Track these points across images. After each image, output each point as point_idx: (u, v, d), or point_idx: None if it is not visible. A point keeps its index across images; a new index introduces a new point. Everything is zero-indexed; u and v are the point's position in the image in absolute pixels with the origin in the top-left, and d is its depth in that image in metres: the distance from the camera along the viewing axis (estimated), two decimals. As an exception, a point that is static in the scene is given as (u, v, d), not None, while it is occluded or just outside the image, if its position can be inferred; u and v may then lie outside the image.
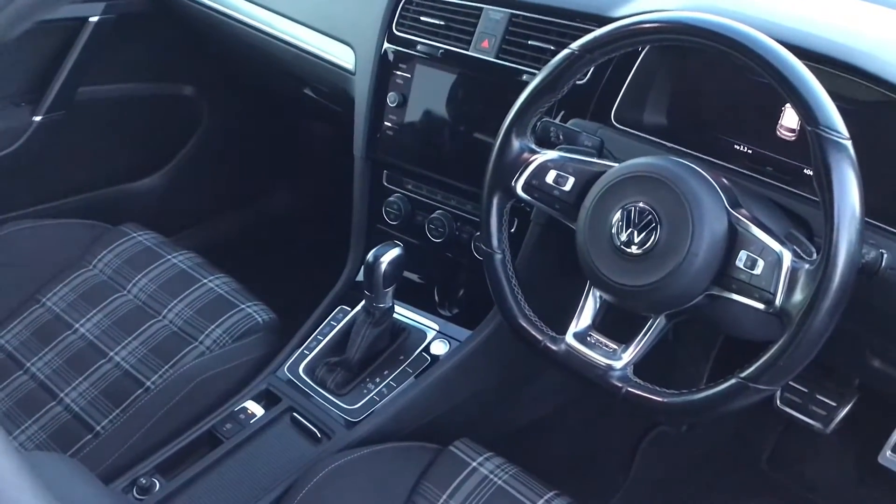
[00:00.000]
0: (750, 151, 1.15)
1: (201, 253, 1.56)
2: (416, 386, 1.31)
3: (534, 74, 1.07)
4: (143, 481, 1.17)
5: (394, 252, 1.29)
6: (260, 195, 2.17)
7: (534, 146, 1.07)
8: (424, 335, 1.39)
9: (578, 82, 1.21)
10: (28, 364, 1.37)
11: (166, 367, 1.34)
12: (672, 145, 1.15)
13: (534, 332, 1.05)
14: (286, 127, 2.10)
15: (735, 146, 1.16)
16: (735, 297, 0.92)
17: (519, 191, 1.06)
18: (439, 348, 1.37)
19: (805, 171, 1.08)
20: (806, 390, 1.51)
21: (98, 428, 1.28)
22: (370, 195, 1.53)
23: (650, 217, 0.94)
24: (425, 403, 1.32)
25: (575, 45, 1.01)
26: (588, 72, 1.22)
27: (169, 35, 1.84)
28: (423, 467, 1.17)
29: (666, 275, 0.92)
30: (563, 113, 1.24)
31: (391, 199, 1.50)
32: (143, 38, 1.81)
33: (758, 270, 0.89)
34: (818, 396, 1.49)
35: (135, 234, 1.56)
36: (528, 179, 1.06)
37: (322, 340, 1.41)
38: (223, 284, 1.47)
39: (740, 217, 0.93)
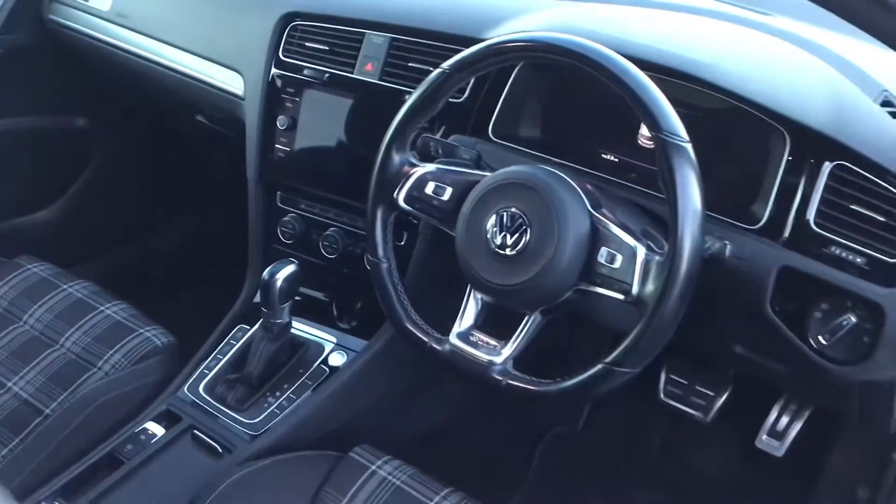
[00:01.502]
0: (616, 160, 1.24)
1: (100, 282, 1.57)
2: (316, 396, 1.35)
3: (413, 94, 1.14)
4: (45, 505, 1.18)
5: (288, 269, 1.33)
6: (159, 222, 2.18)
7: (414, 160, 1.14)
8: (323, 348, 1.44)
9: (456, 100, 1.30)
10: None
11: (65, 393, 1.34)
12: (545, 156, 1.24)
13: (419, 335, 1.11)
14: (181, 154, 2.11)
15: (602, 155, 1.25)
16: (599, 290, 1.00)
17: (401, 202, 1.13)
18: (337, 360, 1.41)
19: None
20: (686, 382, 1.61)
21: None
22: (265, 216, 1.58)
23: (521, 221, 1.01)
24: (325, 413, 1.36)
25: (445, 64, 1.08)
26: (466, 89, 1.30)
27: (58, 67, 1.85)
28: (324, 474, 1.21)
29: (536, 273, 1.00)
30: (444, 128, 1.32)
31: (285, 218, 1.54)
32: (31, 72, 1.81)
33: (616, 264, 0.98)
34: (697, 388, 1.59)
35: (29, 266, 1.55)
36: (409, 191, 1.12)
37: (222, 359, 1.44)
38: (120, 311, 1.47)
39: (601, 217, 1.01)
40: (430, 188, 1.11)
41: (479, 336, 1.08)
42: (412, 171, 1.12)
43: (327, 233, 1.49)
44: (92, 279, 1.57)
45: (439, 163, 1.14)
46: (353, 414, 1.40)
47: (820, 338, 1.04)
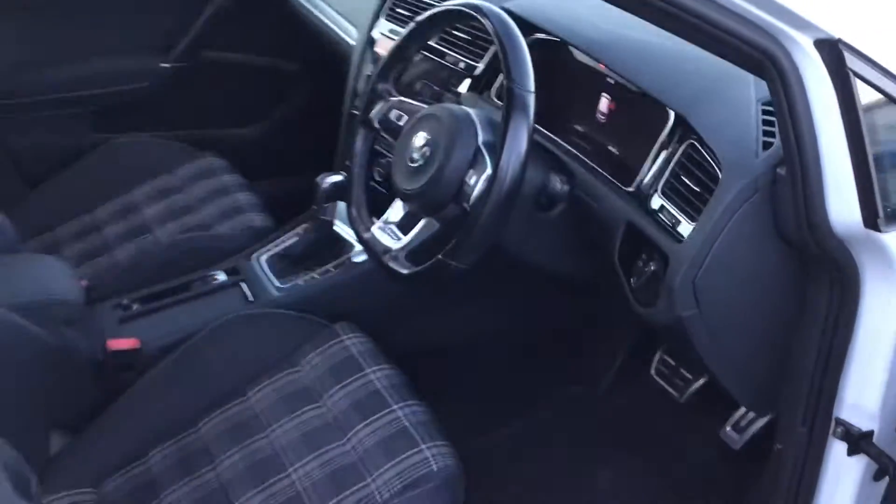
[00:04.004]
0: (580, 129, 1.47)
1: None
2: (328, 279, 1.73)
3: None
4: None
5: (335, 177, 1.70)
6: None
7: (393, 92, 1.46)
8: (353, 248, 1.80)
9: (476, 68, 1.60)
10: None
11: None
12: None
13: (359, 226, 1.45)
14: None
15: (573, 125, 1.48)
16: (463, 204, 1.26)
17: (374, 122, 1.46)
18: (360, 258, 1.77)
19: (609, 147, 1.39)
20: (674, 364, 1.75)
21: None
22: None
23: (427, 142, 1.31)
24: (333, 295, 1.72)
25: (417, 19, 1.41)
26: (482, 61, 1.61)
27: (278, 16, 2.38)
28: (308, 333, 1.57)
29: (425, 182, 1.29)
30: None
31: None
32: (257, 17, 2.38)
33: (471, 181, 1.24)
34: (681, 370, 1.73)
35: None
36: (381, 112, 1.45)
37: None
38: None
39: (482, 147, 1.27)
40: (393, 114, 1.43)
41: (392, 228, 1.39)
42: (389, 99, 1.46)
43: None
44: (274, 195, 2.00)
45: (406, 97, 1.46)
46: (358, 306, 1.71)
47: (632, 280, 1.21)
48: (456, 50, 1.68)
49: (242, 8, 2.33)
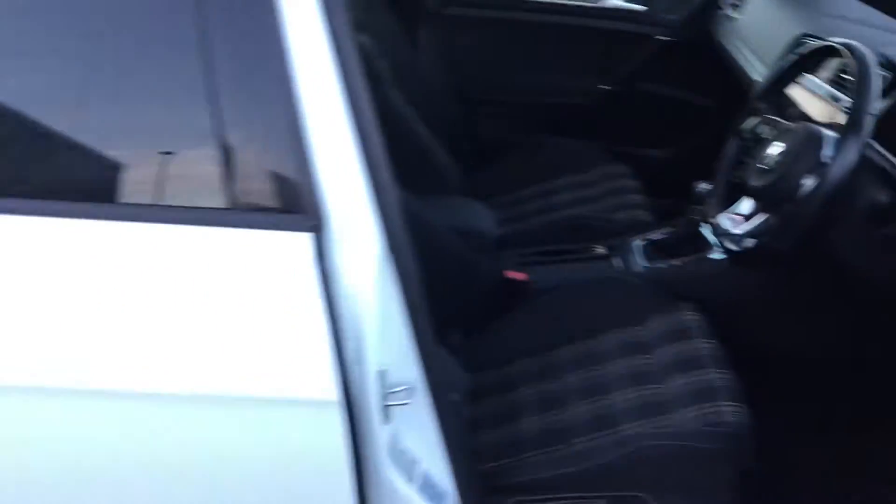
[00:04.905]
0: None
1: None
2: (687, 268, 2.04)
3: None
4: None
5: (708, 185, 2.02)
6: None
7: (767, 109, 1.74)
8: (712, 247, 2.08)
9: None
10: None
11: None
12: None
13: (711, 211, 1.76)
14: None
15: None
16: (795, 201, 1.51)
17: (745, 134, 1.76)
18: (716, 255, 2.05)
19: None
20: None
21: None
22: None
23: (782, 150, 1.58)
24: (688, 280, 2.03)
25: (799, 50, 1.68)
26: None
27: (708, 59, 2.74)
28: (657, 303, 1.90)
29: (771, 180, 1.57)
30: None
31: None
32: (687, 59, 2.77)
33: (805, 183, 1.49)
34: None
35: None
36: (753, 126, 1.75)
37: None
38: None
39: (823, 158, 1.51)
40: (761, 128, 1.72)
41: (735, 218, 1.68)
42: (762, 116, 1.74)
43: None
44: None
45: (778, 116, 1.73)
46: (701, 296, 1.92)
47: None
48: (827, 80, 1.89)
49: (676, 49, 2.73)
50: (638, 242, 2.17)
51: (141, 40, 1.10)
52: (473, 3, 2.81)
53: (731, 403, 1.59)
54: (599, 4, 2.93)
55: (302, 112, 1.06)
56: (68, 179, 1.13)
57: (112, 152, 1.12)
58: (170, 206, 1.09)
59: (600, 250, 2.18)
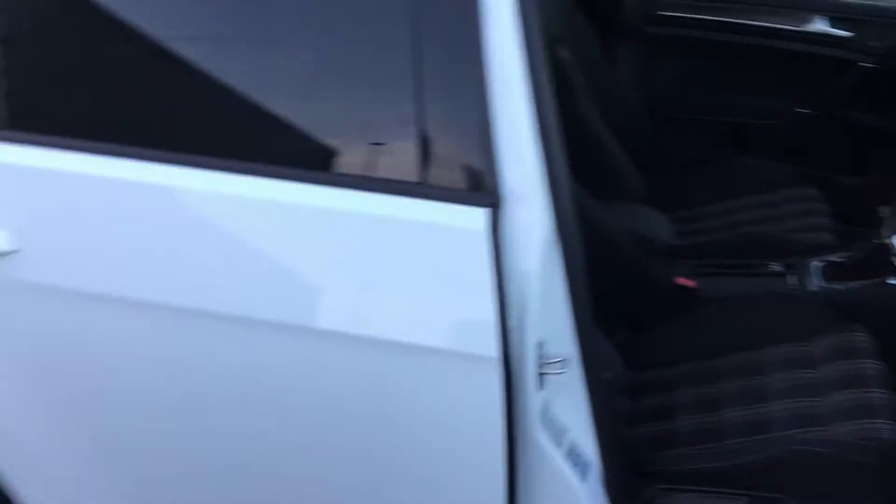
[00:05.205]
0: None
1: None
2: (863, 291, 2.04)
3: None
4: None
5: None
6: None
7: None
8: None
9: None
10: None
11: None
12: None
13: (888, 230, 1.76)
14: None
15: None
16: None
17: None
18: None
19: None
20: None
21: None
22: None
23: None
24: (861, 304, 2.02)
25: None
26: None
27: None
28: (826, 322, 1.91)
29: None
30: None
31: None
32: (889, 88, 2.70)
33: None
34: None
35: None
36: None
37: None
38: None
39: None
40: None
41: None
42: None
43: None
44: None
45: None
46: (869, 320, 1.89)
47: None
48: None
49: (880, 77, 2.68)
50: (816, 263, 2.18)
51: (361, 49, 1.35)
52: (674, 22, 2.89)
53: (889, 422, 1.59)
54: (803, 28, 2.91)
55: (493, 110, 1.25)
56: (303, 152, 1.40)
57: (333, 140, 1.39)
58: (379, 179, 1.34)
59: (776, 267, 2.21)
